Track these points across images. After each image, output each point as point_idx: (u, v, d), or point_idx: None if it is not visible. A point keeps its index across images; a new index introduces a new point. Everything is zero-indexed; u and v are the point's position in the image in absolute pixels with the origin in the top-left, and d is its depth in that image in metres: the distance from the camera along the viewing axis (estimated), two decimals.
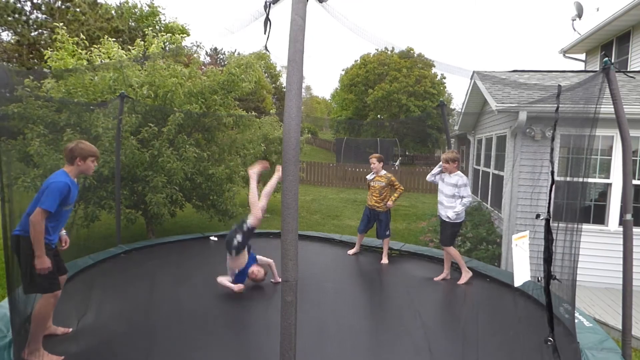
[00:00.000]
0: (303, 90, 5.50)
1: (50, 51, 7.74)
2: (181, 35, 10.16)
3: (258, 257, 4.75)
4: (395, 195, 5.98)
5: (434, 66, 29.62)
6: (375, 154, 6.16)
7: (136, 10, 24.40)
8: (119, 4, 24.03)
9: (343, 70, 34.40)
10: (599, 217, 6.20)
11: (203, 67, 12.13)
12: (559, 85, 3.42)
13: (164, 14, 24.89)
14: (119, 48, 7.86)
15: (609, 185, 6.11)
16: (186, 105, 7.02)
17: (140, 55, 8.10)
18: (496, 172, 7.82)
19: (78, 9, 17.44)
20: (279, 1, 2.17)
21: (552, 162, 3.14)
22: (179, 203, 7.14)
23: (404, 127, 30.03)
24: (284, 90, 2.02)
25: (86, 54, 7.92)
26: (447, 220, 5.02)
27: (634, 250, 3.35)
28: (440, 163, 5.22)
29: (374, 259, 6.11)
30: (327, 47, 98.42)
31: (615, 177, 6.00)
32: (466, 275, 5.09)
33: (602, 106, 3.25)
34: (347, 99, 32.47)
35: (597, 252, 5.90)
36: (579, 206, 3.47)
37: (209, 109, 7.47)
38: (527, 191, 6.21)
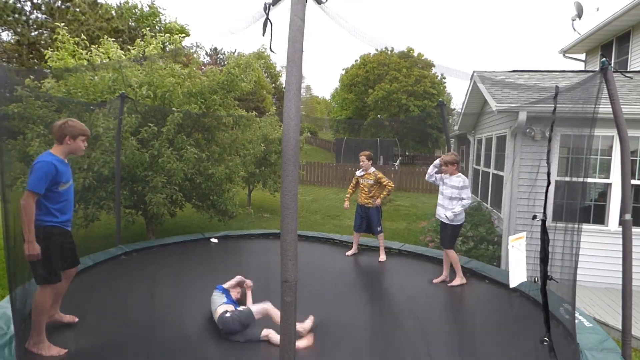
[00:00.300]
0: (303, 90, 5.51)
1: (51, 51, 7.75)
2: (180, 35, 10.15)
3: (253, 308, 3.72)
4: (384, 192, 6.05)
5: (434, 66, 29.66)
6: (366, 151, 6.19)
7: (136, 10, 24.40)
8: (119, 4, 24.04)
9: (343, 70, 34.42)
10: (599, 217, 6.21)
11: (203, 67, 12.13)
12: (556, 87, 3.43)
13: (164, 14, 24.82)
14: (117, 48, 7.86)
15: (608, 185, 6.12)
16: (185, 105, 7.02)
17: (140, 55, 8.10)
18: (496, 172, 7.83)
19: (78, 9, 17.45)
20: (278, 2, 2.17)
21: (548, 163, 3.14)
22: (179, 203, 7.14)
23: (404, 127, 30.04)
24: (284, 90, 2.02)
25: (86, 54, 7.93)
26: (446, 222, 5.02)
27: (634, 250, 3.35)
28: (436, 161, 5.21)
29: (373, 258, 6.11)
30: (327, 47, 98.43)
31: (615, 177, 6.01)
32: (460, 280, 5.06)
33: (601, 106, 3.26)
34: (347, 99, 32.49)
35: (597, 252, 5.90)
36: (579, 206, 3.47)
37: (209, 109, 7.47)
38: (527, 191, 6.22)
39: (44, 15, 17.23)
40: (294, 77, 1.98)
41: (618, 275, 3.34)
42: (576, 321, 3.61)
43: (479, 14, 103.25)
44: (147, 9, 24.49)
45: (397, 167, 21.65)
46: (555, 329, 3.20)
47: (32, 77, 6.60)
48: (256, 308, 3.65)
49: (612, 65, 3.26)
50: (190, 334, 3.56)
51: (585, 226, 5.94)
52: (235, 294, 4.14)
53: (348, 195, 6.30)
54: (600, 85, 3.24)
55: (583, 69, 11.52)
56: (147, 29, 9.31)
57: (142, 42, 8.66)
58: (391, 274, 5.59)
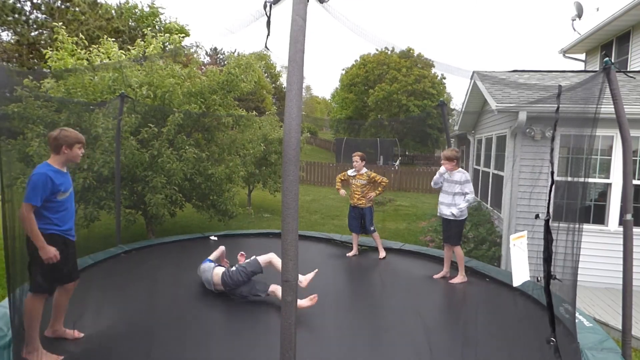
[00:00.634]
0: (303, 90, 5.51)
1: (50, 51, 7.74)
2: (180, 35, 10.14)
3: (259, 258, 4.00)
4: (380, 189, 6.08)
5: (434, 66, 29.66)
6: (359, 152, 6.20)
7: (136, 10, 24.39)
8: (119, 4, 24.02)
9: (343, 70, 34.42)
10: (599, 217, 6.20)
11: (203, 67, 12.12)
12: (560, 86, 3.42)
13: (163, 13, 24.80)
14: (117, 48, 7.86)
15: (609, 185, 6.12)
16: (185, 106, 7.01)
17: (140, 55, 8.10)
18: (496, 172, 7.82)
19: (78, 9, 17.43)
20: (279, 1, 2.17)
21: (552, 162, 3.14)
22: (179, 203, 7.14)
23: (404, 127, 30.05)
24: (284, 90, 2.02)
25: (85, 53, 7.92)
26: (451, 218, 4.99)
27: (634, 250, 3.34)
28: (440, 170, 5.17)
29: (373, 258, 6.11)
30: (327, 47, 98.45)
31: (615, 177, 6.01)
32: (461, 278, 5.07)
33: (602, 106, 3.25)
34: (347, 99, 32.49)
35: (597, 252, 5.90)
36: (579, 206, 3.47)
37: (209, 109, 7.47)
38: (527, 191, 6.21)
39: (44, 15, 17.22)
40: (296, 77, 1.97)
41: (618, 275, 3.34)
42: (576, 321, 3.61)
43: (479, 14, 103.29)
44: (147, 9, 24.48)
45: (397, 167, 21.65)
46: (556, 328, 3.19)
47: (30, 77, 6.59)
48: (262, 258, 3.77)
49: (614, 64, 3.25)
50: (190, 330, 3.55)
51: (585, 226, 5.94)
52: (224, 264, 4.13)
53: (339, 184, 6.29)
54: (602, 85, 3.23)
55: (583, 69, 11.52)
56: (148, 29, 9.28)
57: (143, 42, 8.65)
58: (392, 273, 5.58)
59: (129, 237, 7.20)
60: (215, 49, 35.10)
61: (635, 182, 5.84)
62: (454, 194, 4.97)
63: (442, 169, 5.15)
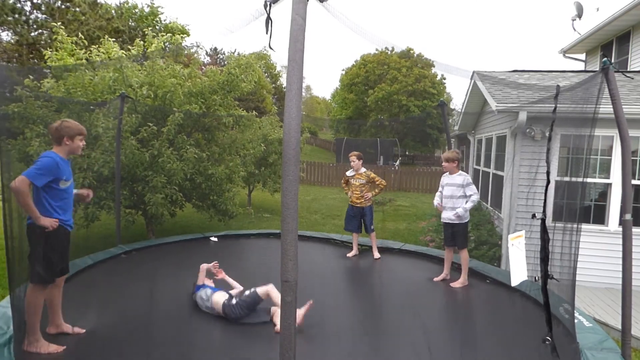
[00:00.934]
0: (303, 90, 5.51)
1: (50, 51, 7.74)
2: (181, 35, 10.15)
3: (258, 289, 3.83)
4: (376, 190, 6.09)
5: (434, 66, 29.66)
6: (355, 152, 6.19)
7: (136, 10, 24.38)
8: (118, 4, 24.02)
9: (343, 70, 34.42)
10: (599, 217, 6.20)
11: (203, 67, 12.13)
12: (557, 86, 3.42)
13: (162, 13, 24.78)
14: (118, 48, 7.86)
15: (608, 185, 6.12)
16: (186, 106, 7.02)
17: (140, 55, 8.10)
18: (496, 172, 7.83)
19: (78, 9, 17.43)
20: (279, 0, 2.17)
21: (548, 163, 3.14)
22: (179, 203, 7.14)
23: (404, 127, 30.05)
24: (284, 90, 2.02)
25: (85, 53, 7.92)
26: (455, 222, 4.90)
27: (634, 250, 3.34)
28: (439, 191, 5.14)
29: (373, 258, 6.10)
30: (327, 47, 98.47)
31: (615, 177, 6.01)
32: (462, 281, 4.99)
33: (601, 106, 3.25)
34: (348, 99, 32.49)
35: (597, 252, 5.90)
36: (578, 206, 3.47)
37: (209, 109, 7.47)
38: (527, 191, 6.22)
39: (44, 16, 17.21)
40: (295, 77, 1.97)
41: (618, 275, 3.34)
42: (576, 321, 3.61)
43: (479, 14, 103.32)
44: (147, 9, 24.47)
45: (397, 167, 21.65)
46: (555, 328, 3.20)
47: (31, 77, 6.59)
48: (260, 290, 3.76)
49: (613, 65, 3.26)
50: (190, 329, 3.55)
51: (585, 226, 5.94)
52: (210, 283, 4.20)
53: (345, 186, 6.32)
54: (601, 85, 3.23)
55: (583, 69, 11.52)
56: (149, 29, 9.27)
57: (143, 42, 8.66)
58: (392, 273, 5.58)
59: (129, 237, 7.20)
60: (216, 49, 35.12)
61: (634, 182, 5.84)
62: (453, 197, 4.92)
63: (442, 179, 5.11)
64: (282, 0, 2.15)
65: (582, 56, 11.98)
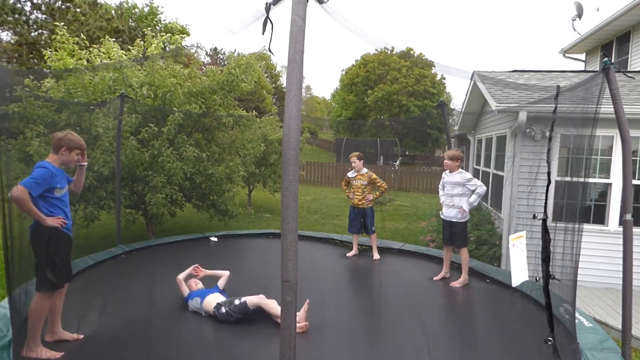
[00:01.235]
0: (303, 90, 5.51)
1: (50, 51, 7.74)
2: (181, 35, 10.15)
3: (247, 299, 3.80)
4: (377, 193, 6.07)
5: (434, 66, 29.66)
6: (355, 152, 6.16)
7: (136, 10, 24.38)
8: (118, 4, 24.02)
9: (343, 70, 34.40)
10: (599, 217, 6.20)
11: (203, 67, 12.13)
12: (558, 86, 3.42)
13: (162, 12, 24.75)
14: (118, 48, 7.86)
15: (609, 185, 6.11)
16: (186, 106, 7.02)
17: (140, 55, 8.10)
18: (496, 172, 7.82)
19: (78, 9, 17.43)
20: (279, 2, 2.16)
21: (548, 163, 3.14)
22: (179, 203, 7.14)
23: (404, 127, 30.04)
24: (284, 90, 2.02)
25: (86, 54, 7.93)
26: (454, 220, 4.92)
27: (634, 250, 3.34)
28: (440, 189, 5.14)
29: (372, 259, 6.10)
30: (327, 47, 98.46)
31: (615, 177, 6.00)
32: (463, 281, 4.99)
33: (602, 106, 3.25)
34: (348, 99, 32.48)
35: (597, 252, 5.90)
36: (579, 206, 3.47)
37: (209, 109, 7.47)
38: (527, 191, 6.21)
39: (44, 16, 17.22)
40: (295, 78, 1.97)
41: (617, 275, 3.34)
42: (576, 321, 3.61)
43: (479, 14, 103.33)
44: (147, 9, 24.48)
45: (397, 167, 21.65)
46: (556, 328, 3.20)
47: (31, 77, 6.60)
48: (250, 302, 3.75)
49: (614, 65, 3.25)
50: (190, 329, 3.56)
51: (585, 226, 5.93)
52: (194, 285, 4.21)
53: (345, 188, 6.30)
54: (602, 85, 3.23)
55: (583, 69, 11.52)
56: (149, 29, 9.27)
57: (143, 42, 8.65)
58: (392, 273, 5.58)
59: (129, 237, 7.20)
60: (216, 49, 35.12)
61: (635, 182, 5.84)
62: (457, 194, 4.90)
63: (443, 177, 5.09)
64: (282, 1, 2.15)
65: (582, 56, 11.98)
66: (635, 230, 4.02)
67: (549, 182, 3.15)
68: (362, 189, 5.99)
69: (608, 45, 10.16)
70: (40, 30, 17.12)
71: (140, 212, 7.07)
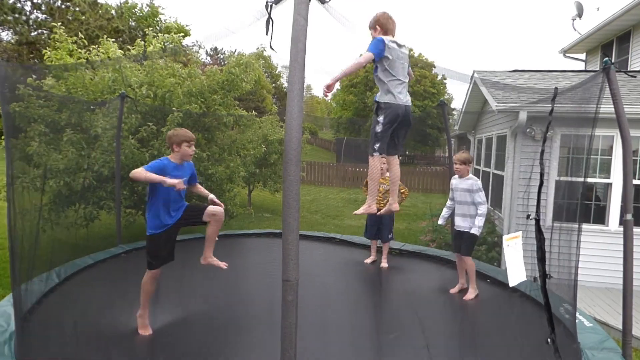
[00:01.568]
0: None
1: (49, 51, 7.74)
2: (179, 34, 10.14)
3: None
4: (399, 199, 5.82)
5: (435, 67, 29.65)
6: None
7: (136, 10, 24.37)
8: (119, 4, 24.01)
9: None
10: (600, 217, 6.21)
11: (203, 67, 12.12)
12: (555, 88, 3.42)
13: (163, 13, 24.80)
14: (117, 48, 7.85)
15: (609, 185, 6.12)
16: (186, 105, 7.01)
17: (140, 55, 8.10)
18: (496, 172, 7.83)
19: (78, 9, 17.43)
20: (281, 1, 2.16)
21: (541, 164, 3.14)
22: None
23: None
24: (285, 90, 2.02)
25: (85, 53, 7.92)
26: (466, 230, 4.55)
27: (635, 250, 3.35)
28: (449, 199, 4.83)
29: (379, 265, 6.06)
30: (327, 47, 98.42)
31: (616, 177, 6.01)
32: (474, 292, 4.64)
33: (602, 106, 3.25)
34: (348, 100, 32.46)
35: (598, 252, 5.90)
36: (579, 206, 3.47)
37: (209, 108, 7.47)
38: (526, 191, 6.22)
39: (44, 15, 17.22)
40: (297, 77, 1.97)
41: (618, 275, 3.35)
42: (576, 321, 3.61)
43: (479, 14, 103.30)
44: (147, 9, 24.47)
45: None
46: (556, 328, 3.20)
47: (34, 76, 6.60)
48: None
49: (614, 64, 3.26)
50: (190, 329, 3.56)
51: (586, 226, 5.94)
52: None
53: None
54: (602, 84, 3.23)
55: (583, 68, 11.52)
56: (149, 29, 9.27)
57: (143, 42, 8.65)
58: (393, 273, 5.58)
59: (130, 237, 7.19)
60: (216, 48, 35.11)
61: (635, 182, 5.84)
62: (467, 203, 4.54)
63: (452, 182, 4.76)
64: (284, 1, 2.15)
65: (583, 56, 11.98)
66: (636, 230, 4.01)
67: (541, 183, 3.15)
68: (383, 194, 5.49)
69: (608, 45, 10.17)
70: (40, 30, 17.12)
71: (141, 212, 7.07)
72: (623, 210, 3.31)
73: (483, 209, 4.45)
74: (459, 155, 4.66)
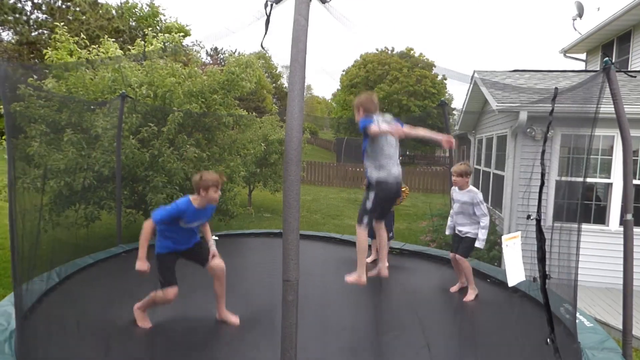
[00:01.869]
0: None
1: (49, 51, 7.74)
2: (179, 34, 10.15)
3: None
4: (398, 200, 5.84)
5: (435, 67, 29.66)
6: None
7: (136, 10, 24.38)
8: (119, 4, 24.02)
9: (343, 70, 34.37)
10: (600, 217, 6.21)
11: (203, 67, 12.13)
12: (556, 88, 3.42)
13: (163, 13, 24.79)
14: (117, 48, 7.86)
15: (609, 185, 6.12)
16: (186, 105, 7.02)
17: (140, 54, 8.10)
18: (497, 172, 7.83)
19: (78, 9, 17.45)
20: (281, 1, 2.17)
21: (542, 164, 3.14)
22: None
23: None
24: (285, 90, 2.02)
25: (85, 53, 7.92)
26: (469, 237, 4.48)
27: (635, 250, 3.35)
28: (452, 211, 4.73)
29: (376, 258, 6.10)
30: (328, 47, 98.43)
31: (616, 177, 6.01)
32: (474, 293, 4.59)
33: (602, 106, 3.25)
34: (348, 100, 32.45)
35: (598, 252, 5.90)
36: (579, 206, 3.47)
37: (209, 108, 7.47)
38: (526, 191, 6.22)
39: (45, 15, 17.23)
40: (297, 77, 1.97)
41: (618, 275, 3.35)
42: (577, 321, 3.61)
43: (479, 14, 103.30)
44: (148, 9, 24.47)
45: None
46: (556, 328, 3.20)
47: (34, 76, 6.61)
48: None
49: (615, 64, 3.25)
50: (190, 329, 3.56)
51: (586, 226, 5.94)
52: None
53: None
54: (602, 84, 3.23)
55: (584, 68, 11.52)
56: (150, 29, 9.28)
57: (143, 42, 8.66)
58: (393, 273, 5.56)
59: (130, 237, 7.19)
60: (216, 48, 35.11)
61: (635, 182, 5.84)
62: (468, 214, 4.47)
63: (452, 194, 4.69)
64: (285, 1, 2.15)
65: (583, 56, 11.98)
66: (636, 230, 4.02)
67: (542, 183, 3.15)
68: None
69: (609, 45, 10.16)
70: (40, 30, 17.14)
71: (141, 212, 7.07)
72: (623, 210, 3.31)
73: (485, 222, 4.38)
74: (456, 168, 4.54)
